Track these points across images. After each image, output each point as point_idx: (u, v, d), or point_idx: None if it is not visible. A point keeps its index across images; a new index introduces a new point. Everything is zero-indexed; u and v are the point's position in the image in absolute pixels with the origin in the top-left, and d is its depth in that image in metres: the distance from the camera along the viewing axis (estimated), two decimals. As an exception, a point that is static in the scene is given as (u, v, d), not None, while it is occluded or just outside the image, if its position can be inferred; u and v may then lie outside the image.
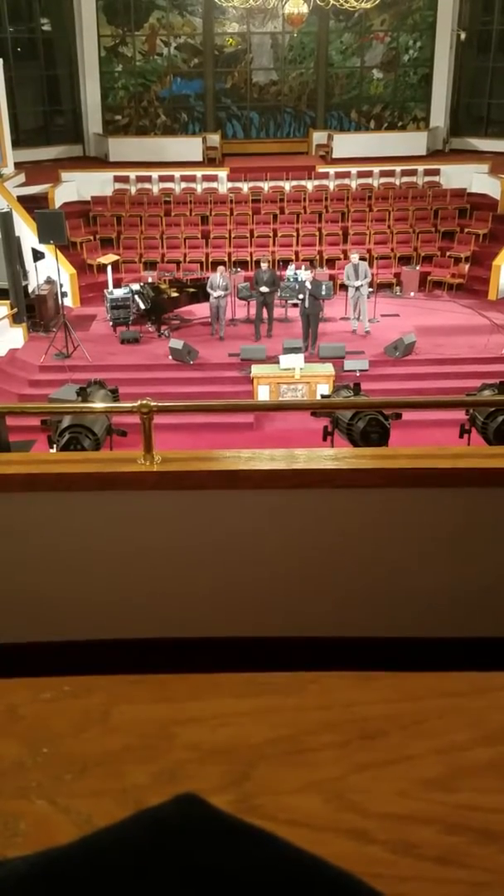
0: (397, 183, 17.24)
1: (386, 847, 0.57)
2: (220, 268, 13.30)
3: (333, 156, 18.30)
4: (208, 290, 12.86)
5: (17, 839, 0.58)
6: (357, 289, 12.76)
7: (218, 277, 12.78)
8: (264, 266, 13.09)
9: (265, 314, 12.91)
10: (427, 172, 17.32)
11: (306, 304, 12.20)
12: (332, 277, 14.62)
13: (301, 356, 11.30)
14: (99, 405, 5.49)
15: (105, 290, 14.10)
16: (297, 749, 0.65)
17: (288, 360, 11.14)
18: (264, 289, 12.69)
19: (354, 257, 13.08)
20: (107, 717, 0.69)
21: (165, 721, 0.68)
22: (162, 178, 17.27)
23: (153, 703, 0.70)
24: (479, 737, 0.66)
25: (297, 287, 13.29)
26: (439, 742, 0.65)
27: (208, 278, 13.14)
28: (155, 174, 17.27)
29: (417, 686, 0.71)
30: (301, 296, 12.25)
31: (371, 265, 14.95)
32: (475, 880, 0.55)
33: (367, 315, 13.04)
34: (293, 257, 15.67)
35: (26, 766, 0.64)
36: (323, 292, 12.63)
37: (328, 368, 11.24)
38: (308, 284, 12.18)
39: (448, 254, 15.61)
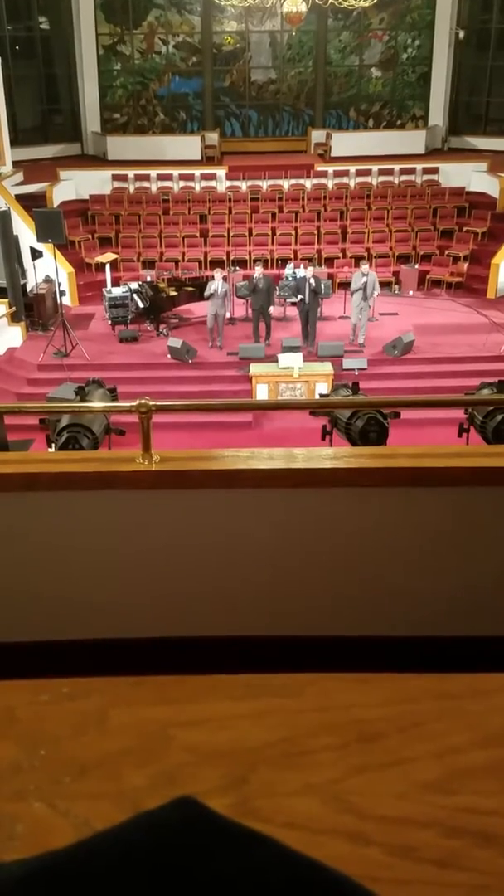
0: (396, 181, 17.23)
1: (384, 850, 0.57)
2: (219, 273, 12.56)
3: (332, 154, 18.29)
4: (207, 295, 12.39)
5: (15, 842, 0.58)
6: (365, 298, 12.28)
7: (219, 285, 12.17)
8: (258, 272, 12.49)
9: (261, 318, 12.62)
10: (426, 171, 17.31)
11: (306, 301, 12.13)
12: (330, 276, 14.61)
13: (300, 355, 11.29)
14: (97, 404, 5.48)
15: (103, 289, 14.09)
16: (296, 751, 0.65)
17: (286, 359, 11.14)
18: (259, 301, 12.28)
19: (364, 267, 12.63)
20: (105, 719, 0.69)
21: (164, 723, 0.68)
22: (160, 177, 17.26)
23: (151, 706, 0.70)
24: (477, 739, 0.66)
25: (294, 284, 13.24)
26: (438, 744, 0.65)
27: (208, 282, 12.52)
28: (153, 173, 17.26)
29: (416, 688, 0.71)
30: (303, 294, 12.14)
31: (370, 264, 14.93)
32: (474, 883, 0.54)
33: (364, 327, 12.82)
34: (291, 256, 15.66)
35: (24, 768, 0.64)
36: (323, 289, 12.58)
37: (327, 367, 11.24)
38: (311, 280, 12.12)
39: (447, 252, 15.61)
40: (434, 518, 2.54)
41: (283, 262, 15.33)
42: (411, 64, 19.61)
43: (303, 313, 12.39)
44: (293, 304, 13.67)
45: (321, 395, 9.58)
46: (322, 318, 12.86)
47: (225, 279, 12.55)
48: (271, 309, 12.71)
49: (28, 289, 14.10)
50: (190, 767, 0.64)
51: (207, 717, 0.68)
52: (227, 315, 12.78)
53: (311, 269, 12.67)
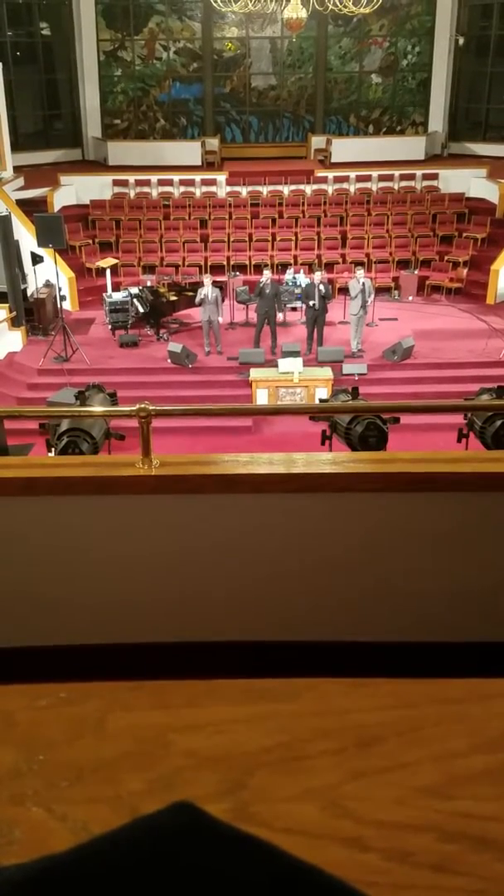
0: (396, 187, 17.27)
1: (382, 855, 0.57)
2: (208, 278, 12.53)
3: (332, 160, 18.33)
4: (197, 301, 12.31)
5: (13, 847, 0.58)
6: (361, 306, 12.28)
7: (209, 290, 12.13)
8: (266, 276, 12.45)
9: (266, 323, 12.53)
10: (425, 177, 17.35)
11: (316, 307, 12.12)
12: (329, 281, 14.63)
13: (300, 360, 11.29)
14: (97, 409, 5.48)
15: (104, 294, 14.11)
16: (294, 756, 0.65)
17: (286, 364, 11.14)
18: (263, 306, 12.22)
19: (359, 273, 12.66)
20: (103, 723, 0.69)
21: (162, 728, 0.68)
22: (161, 182, 17.29)
23: (150, 710, 0.70)
24: (476, 744, 0.66)
25: (297, 291, 13.22)
26: (436, 749, 0.65)
27: (199, 289, 12.42)
28: (154, 178, 17.29)
29: (414, 693, 0.71)
30: (313, 300, 12.12)
31: (369, 269, 14.97)
32: (471, 888, 0.54)
33: (361, 335, 12.77)
34: (292, 261, 15.69)
35: (22, 773, 0.64)
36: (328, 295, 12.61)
37: (327, 372, 11.25)
38: (321, 287, 12.13)
39: (446, 258, 15.63)
40: (433, 523, 2.54)
41: (283, 267, 15.35)
42: (411, 70, 19.67)
43: (310, 319, 12.37)
44: (292, 309, 13.70)
45: (321, 400, 9.58)
46: (326, 324, 12.86)
47: (215, 284, 12.51)
48: (279, 316, 12.70)
49: (28, 293, 14.12)
50: (188, 772, 0.64)
51: (205, 722, 0.68)
52: (221, 320, 12.75)
53: (319, 274, 12.68)
